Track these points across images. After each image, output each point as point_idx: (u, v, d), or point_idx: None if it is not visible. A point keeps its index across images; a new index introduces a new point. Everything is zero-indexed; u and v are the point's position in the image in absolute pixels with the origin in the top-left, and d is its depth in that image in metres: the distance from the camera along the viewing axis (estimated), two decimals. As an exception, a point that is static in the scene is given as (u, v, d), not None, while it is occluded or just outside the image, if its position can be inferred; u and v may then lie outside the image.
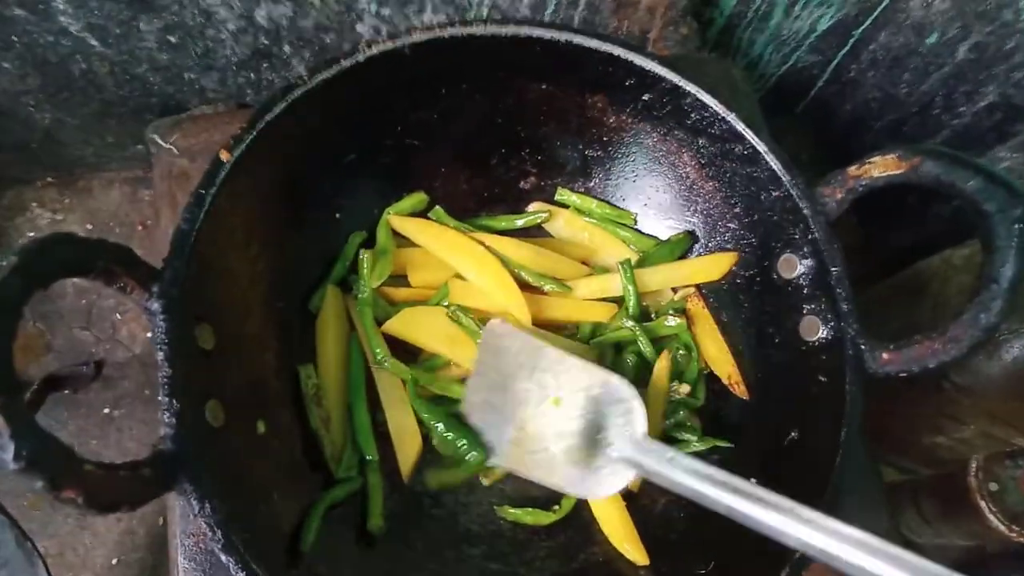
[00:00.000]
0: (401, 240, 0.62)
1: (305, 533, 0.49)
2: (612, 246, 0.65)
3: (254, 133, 0.47)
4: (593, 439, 0.49)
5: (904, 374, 0.46)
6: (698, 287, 0.63)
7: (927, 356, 0.46)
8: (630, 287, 0.60)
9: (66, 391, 0.81)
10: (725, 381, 0.60)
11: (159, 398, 0.41)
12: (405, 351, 0.60)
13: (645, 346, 0.59)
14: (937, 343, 0.45)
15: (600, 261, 0.65)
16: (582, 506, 0.57)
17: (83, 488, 0.35)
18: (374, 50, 0.50)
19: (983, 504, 0.65)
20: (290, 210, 0.55)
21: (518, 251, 0.61)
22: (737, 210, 0.58)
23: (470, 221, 0.64)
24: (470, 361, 0.58)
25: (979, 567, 0.76)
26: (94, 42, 0.69)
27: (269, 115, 0.48)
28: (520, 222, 0.65)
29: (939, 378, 0.66)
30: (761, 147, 0.51)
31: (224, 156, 0.46)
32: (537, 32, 0.52)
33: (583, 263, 0.65)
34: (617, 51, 0.52)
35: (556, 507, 0.57)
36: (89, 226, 0.88)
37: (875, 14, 0.83)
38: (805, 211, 0.50)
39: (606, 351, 0.60)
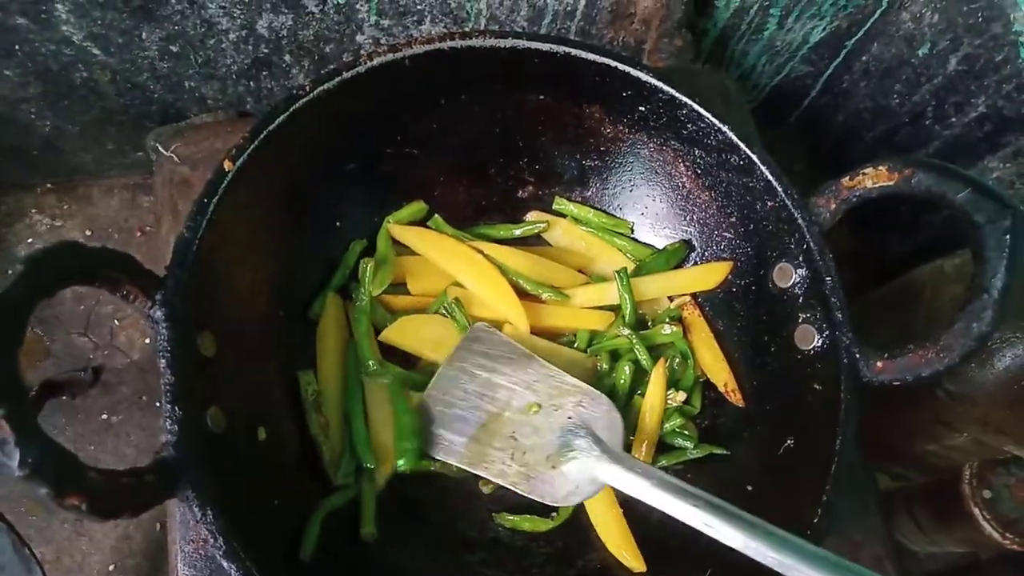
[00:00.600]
0: (401, 248, 0.63)
1: (305, 540, 0.50)
2: (609, 255, 0.65)
3: (256, 142, 0.48)
4: (568, 445, 0.50)
5: (898, 382, 0.47)
6: (694, 296, 0.63)
7: (920, 364, 0.46)
8: (626, 295, 0.61)
9: (64, 397, 0.81)
10: (721, 389, 0.60)
11: (162, 405, 0.41)
12: (406, 361, 0.61)
13: (641, 354, 0.60)
14: (930, 352, 0.46)
15: (597, 270, 0.66)
16: (580, 513, 0.58)
17: (87, 495, 0.35)
18: (375, 61, 0.51)
19: (976, 511, 0.66)
20: (291, 218, 0.56)
21: (516, 259, 0.62)
22: (733, 220, 0.58)
23: (469, 230, 0.65)
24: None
25: (973, 574, 0.77)
26: (96, 51, 0.69)
27: (271, 124, 0.49)
28: (518, 232, 0.65)
29: (932, 386, 0.66)
30: (756, 158, 0.52)
31: (227, 165, 0.47)
32: (535, 44, 0.53)
33: (580, 271, 0.65)
34: (613, 63, 0.53)
35: (554, 514, 0.57)
36: (88, 232, 0.88)
37: (867, 26, 0.84)
38: (800, 221, 0.50)
39: (603, 359, 0.61)
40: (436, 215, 0.64)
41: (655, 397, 0.59)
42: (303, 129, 0.51)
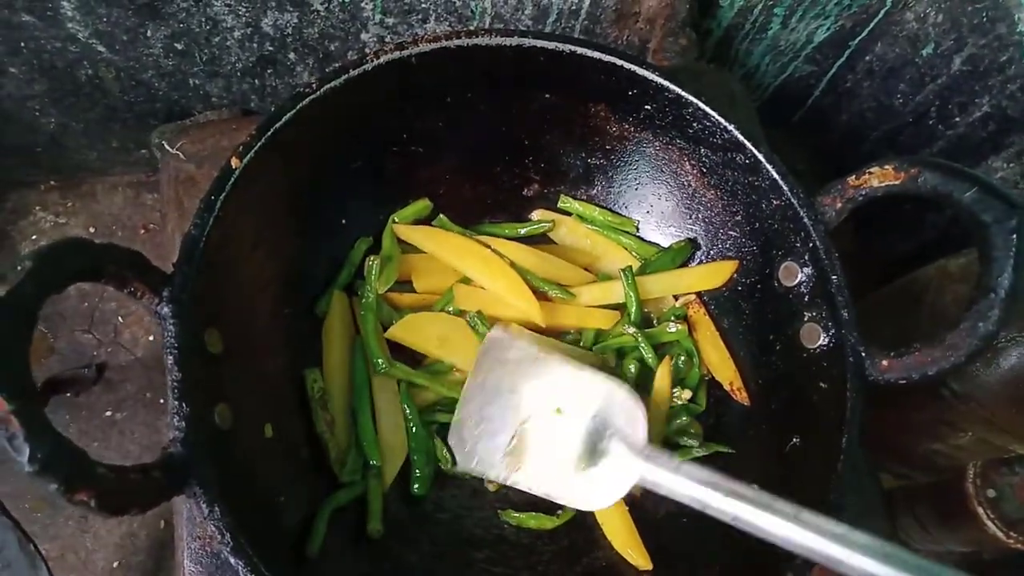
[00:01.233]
0: (406, 246, 0.63)
1: (312, 537, 0.50)
2: (614, 253, 0.65)
3: (263, 140, 0.48)
4: (595, 447, 0.50)
5: (903, 381, 0.47)
6: (699, 294, 0.63)
7: (926, 364, 0.46)
8: (632, 294, 0.61)
9: (68, 394, 0.81)
10: (726, 387, 0.60)
11: (169, 401, 0.41)
12: (413, 359, 0.61)
13: (647, 352, 0.60)
14: (936, 351, 0.46)
15: (603, 268, 0.66)
16: (586, 511, 0.58)
17: (96, 491, 0.35)
18: (382, 59, 0.51)
19: (981, 511, 0.66)
20: (297, 216, 0.56)
21: (523, 256, 0.62)
22: (738, 218, 0.58)
23: (474, 228, 0.65)
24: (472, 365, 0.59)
25: (977, 574, 0.77)
26: (101, 48, 0.69)
27: (278, 122, 0.48)
28: (523, 231, 0.65)
29: (937, 386, 0.66)
30: (761, 157, 0.52)
31: (234, 162, 0.47)
32: (541, 43, 0.53)
33: (586, 270, 0.65)
34: (619, 62, 0.53)
35: (559, 512, 0.58)
36: (92, 229, 0.88)
37: (871, 26, 0.85)
38: (805, 220, 0.50)
39: (609, 357, 0.61)
40: (441, 215, 0.64)
41: (660, 395, 0.59)
42: (309, 127, 0.51)
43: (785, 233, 0.53)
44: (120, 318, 0.85)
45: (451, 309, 0.61)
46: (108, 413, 0.81)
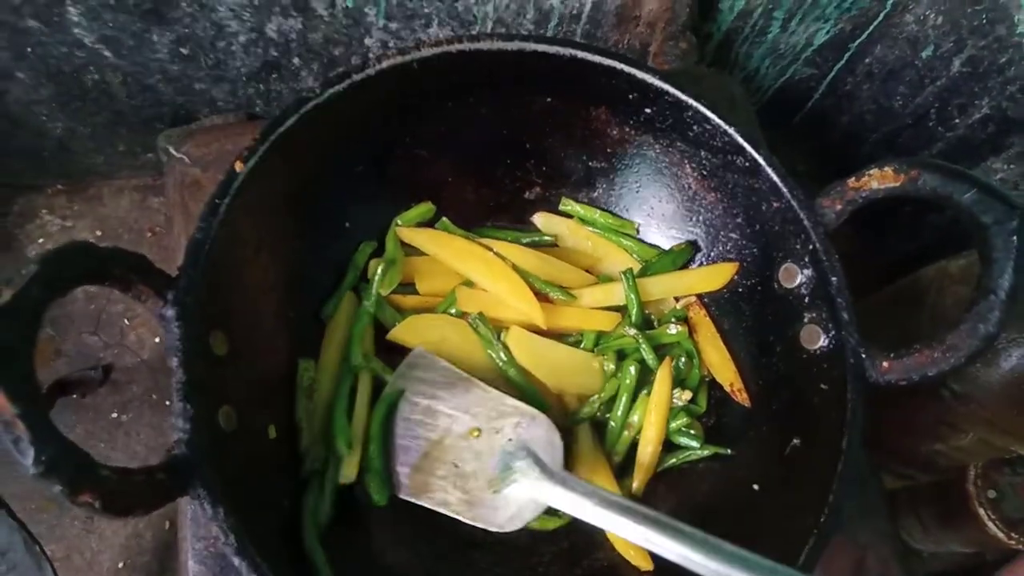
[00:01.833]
0: (409, 248, 0.63)
1: (306, 536, 0.50)
2: (615, 255, 0.66)
3: (267, 144, 0.48)
4: (509, 471, 0.50)
5: (904, 382, 0.47)
6: (700, 296, 0.64)
7: (927, 365, 0.46)
8: (632, 296, 0.61)
9: (74, 395, 0.82)
10: (727, 388, 0.61)
11: (173, 404, 0.42)
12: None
13: (647, 354, 0.60)
14: (936, 352, 0.46)
15: (604, 270, 0.66)
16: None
17: (100, 493, 0.35)
18: (384, 64, 0.51)
19: (982, 511, 0.66)
20: (301, 219, 0.56)
21: (525, 258, 0.62)
22: (738, 220, 0.59)
23: (476, 230, 0.66)
24: (475, 368, 0.59)
25: (978, 574, 0.77)
26: (107, 53, 0.70)
27: (282, 127, 0.49)
28: (526, 241, 0.66)
29: (938, 387, 0.66)
30: (761, 160, 0.52)
31: (238, 166, 0.47)
32: (542, 47, 0.53)
33: (587, 272, 0.66)
34: (620, 65, 0.53)
35: (560, 512, 0.58)
36: (98, 233, 0.89)
37: (871, 28, 0.85)
38: (805, 222, 0.51)
39: (609, 358, 0.61)
40: (443, 218, 0.64)
41: (661, 396, 0.59)
42: (313, 131, 0.51)
43: (785, 235, 0.53)
44: (126, 320, 0.86)
45: (453, 311, 0.61)
46: (114, 415, 0.82)
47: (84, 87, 0.74)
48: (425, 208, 0.64)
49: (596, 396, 0.60)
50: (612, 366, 0.61)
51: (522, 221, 0.67)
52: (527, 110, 0.60)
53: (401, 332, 0.60)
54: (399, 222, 0.63)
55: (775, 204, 0.53)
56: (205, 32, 0.69)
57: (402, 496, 0.51)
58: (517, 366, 0.59)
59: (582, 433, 0.59)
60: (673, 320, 0.63)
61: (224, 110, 0.80)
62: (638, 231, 0.66)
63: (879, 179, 0.49)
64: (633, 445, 0.60)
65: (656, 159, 0.62)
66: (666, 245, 0.65)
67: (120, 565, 0.76)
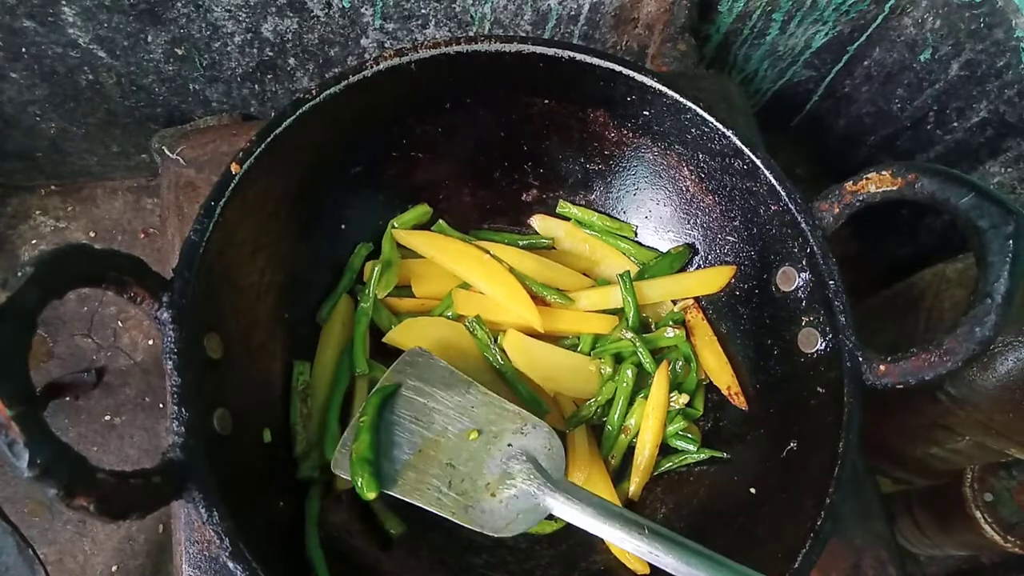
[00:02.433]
0: (405, 251, 0.63)
1: (308, 543, 0.50)
2: (613, 258, 0.65)
3: (263, 146, 0.48)
4: (508, 475, 0.49)
5: (901, 385, 0.47)
6: (697, 299, 0.63)
7: (923, 368, 0.46)
8: (630, 299, 0.61)
9: (67, 398, 0.81)
10: (724, 392, 0.61)
11: (168, 407, 0.41)
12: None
13: (645, 357, 0.60)
14: (933, 355, 0.46)
15: (601, 273, 0.66)
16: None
17: (95, 496, 0.35)
18: (381, 65, 0.51)
19: (978, 515, 0.66)
20: (298, 221, 0.56)
21: (522, 261, 0.62)
22: (736, 223, 0.59)
23: (473, 233, 0.65)
24: (471, 371, 0.59)
25: (974, 577, 0.77)
26: (102, 54, 0.70)
27: (278, 128, 0.49)
28: (522, 243, 0.66)
29: (934, 390, 0.67)
30: (759, 162, 0.52)
31: (234, 168, 0.47)
32: (540, 49, 0.53)
33: (584, 275, 0.65)
34: (617, 68, 0.53)
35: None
36: (92, 234, 0.88)
37: (869, 31, 0.85)
38: (803, 225, 0.51)
39: (606, 362, 0.61)
40: (440, 220, 0.64)
41: (658, 400, 0.59)
42: (309, 133, 0.51)
43: (783, 238, 0.53)
44: (119, 322, 0.85)
45: (450, 314, 0.61)
46: (107, 417, 0.81)
47: (78, 87, 0.74)
48: (422, 210, 0.64)
49: (593, 399, 0.60)
50: (609, 369, 0.60)
51: (519, 224, 0.67)
52: (524, 112, 0.60)
53: (398, 335, 0.59)
54: (395, 224, 0.63)
55: (773, 207, 0.53)
56: (200, 32, 0.69)
57: (392, 493, 0.49)
58: (514, 369, 0.59)
59: (579, 437, 0.59)
60: (670, 323, 0.62)
61: (219, 111, 0.80)
62: (636, 234, 0.66)
63: (876, 183, 0.49)
64: (630, 449, 0.60)
65: (654, 161, 0.61)
66: (664, 248, 0.65)
67: (113, 568, 0.76)
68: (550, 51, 0.53)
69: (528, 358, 0.59)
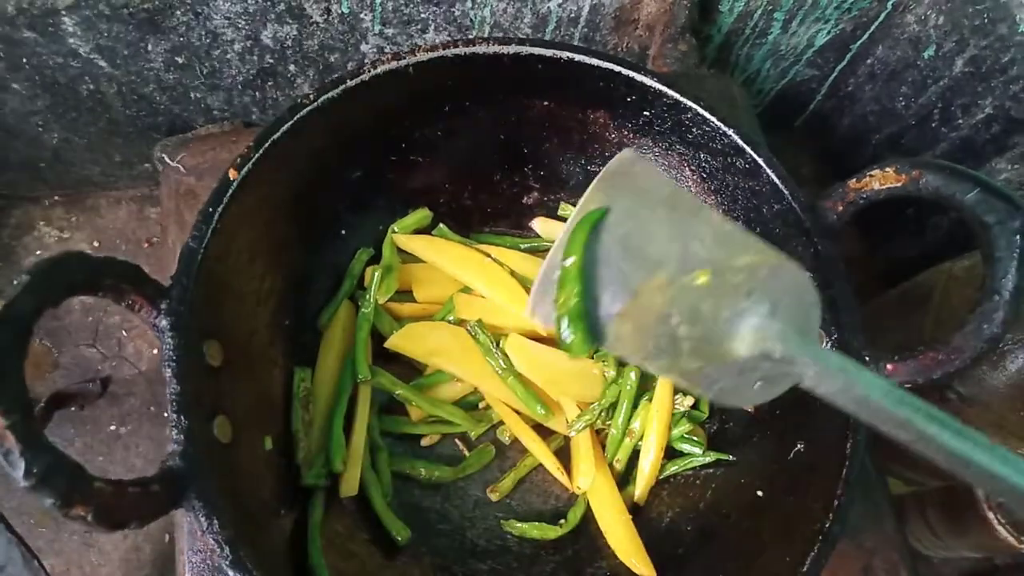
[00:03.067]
0: (406, 256, 0.63)
1: (311, 550, 0.49)
2: (615, 260, 0.65)
3: (261, 152, 0.48)
4: (746, 331, 0.38)
5: (909, 385, 0.46)
6: (701, 300, 0.63)
7: (931, 367, 0.46)
8: (634, 301, 0.60)
9: (73, 408, 0.81)
10: (730, 394, 0.60)
11: (168, 415, 0.41)
12: (414, 369, 0.61)
13: (649, 359, 0.59)
14: (941, 354, 0.46)
15: (603, 275, 0.65)
16: (589, 520, 0.57)
17: (93, 505, 0.35)
18: (379, 69, 0.51)
19: (991, 516, 0.65)
20: (297, 227, 0.56)
21: (523, 264, 0.62)
22: (739, 223, 0.58)
23: (474, 236, 0.65)
24: (473, 375, 0.59)
25: (988, 579, 0.76)
26: (103, 63, 0.70)
27: (276, 134, 0.49)
28: (524, 246, 0.65)
29: (943, 389, 0.66)
30: (762, 161, 0.52)
31: (232, 174, 0.47)
32: (538, 50, 0.53)
33: (587, 277, 0.65)
34: (617, 68, 0.53)
35: (563, 521, 0.57)
36: (96, 244, 0.89)
37: (872, 29, 0.84)
38: (807, 224, 0.50)
39: (609, 364, 0.61)
40: (441, 224, 0.64)
41: (662, 403, 0.58)
42: (308, 138, 0.51)
43: (787, 237, 0.52)
44: (124, 332, 0.85)
45: (452, 318, 0.61)
46: (113, 427, 0.81)
47: (79, 97, 0.74)
48: (422, 214, 0.63)
49: (596, 403, 0.59)
50: (612, 372, 0.60)
51: (520, 227, 0.67)
52: (525, 114, 0.59)
53: (399, 340, 0.59)
54: (396, 229, 0.63)
55: (776, 206, 0.52)
56: (200, 40, 0.69)
57: (608, 350, 0.40)
58: (516, 373, 0.58)
59: (583, 441, 0.58)
60: (674, 325, 0.62)
61: (220, 118, 0.80)
62: (638, 235, 0.66)
63: (881, 179, 0.48)
64: (635, 452, 0.59)
65: (655, 162, 0.61)
66: (666, 249, 0.64)
67: (119, 578, 0.75)
68: (548, 52, 0.53)
69: (531, 362, 0.59)
